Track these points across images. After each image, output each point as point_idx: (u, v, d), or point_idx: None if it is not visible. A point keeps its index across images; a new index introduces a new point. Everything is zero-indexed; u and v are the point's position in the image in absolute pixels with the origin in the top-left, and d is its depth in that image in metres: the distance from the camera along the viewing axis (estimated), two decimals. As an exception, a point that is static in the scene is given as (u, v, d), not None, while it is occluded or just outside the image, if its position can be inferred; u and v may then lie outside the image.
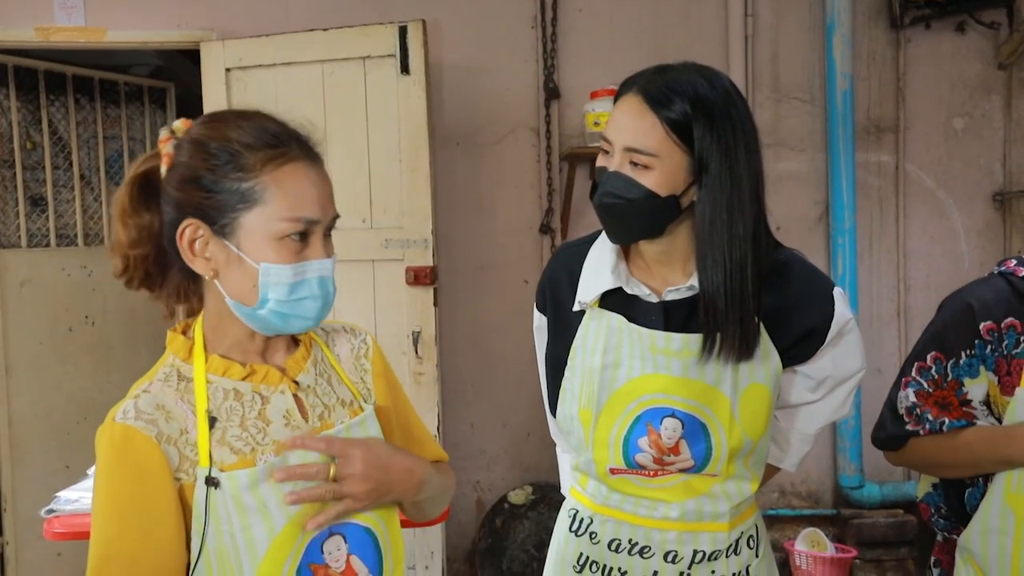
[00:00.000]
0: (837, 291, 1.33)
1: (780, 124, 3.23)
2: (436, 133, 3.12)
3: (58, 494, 2.30)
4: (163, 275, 1.09)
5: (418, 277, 2.82)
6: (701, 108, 1.20)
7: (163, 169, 1.02)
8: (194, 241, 1.01)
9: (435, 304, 2.84)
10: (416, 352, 2.85)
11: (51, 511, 2.23)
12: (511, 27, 3.15)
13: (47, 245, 3.39)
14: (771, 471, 1.48)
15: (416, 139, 2.80)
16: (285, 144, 1.01)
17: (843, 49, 3.15)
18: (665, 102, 1.21)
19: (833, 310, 1.31)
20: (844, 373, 1.37)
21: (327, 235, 1.06)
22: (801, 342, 1.32)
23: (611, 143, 1.25)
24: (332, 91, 2.87)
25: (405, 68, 2.78)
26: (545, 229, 3.18)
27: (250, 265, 0.99)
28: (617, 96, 1.28)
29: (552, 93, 3.14)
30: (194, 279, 1.08)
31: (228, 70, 2.92)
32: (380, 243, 2.85)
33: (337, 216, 1.07)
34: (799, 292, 1.31)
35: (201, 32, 3.04)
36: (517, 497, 3.21)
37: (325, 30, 2.82)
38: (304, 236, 1.01)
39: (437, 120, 3.13)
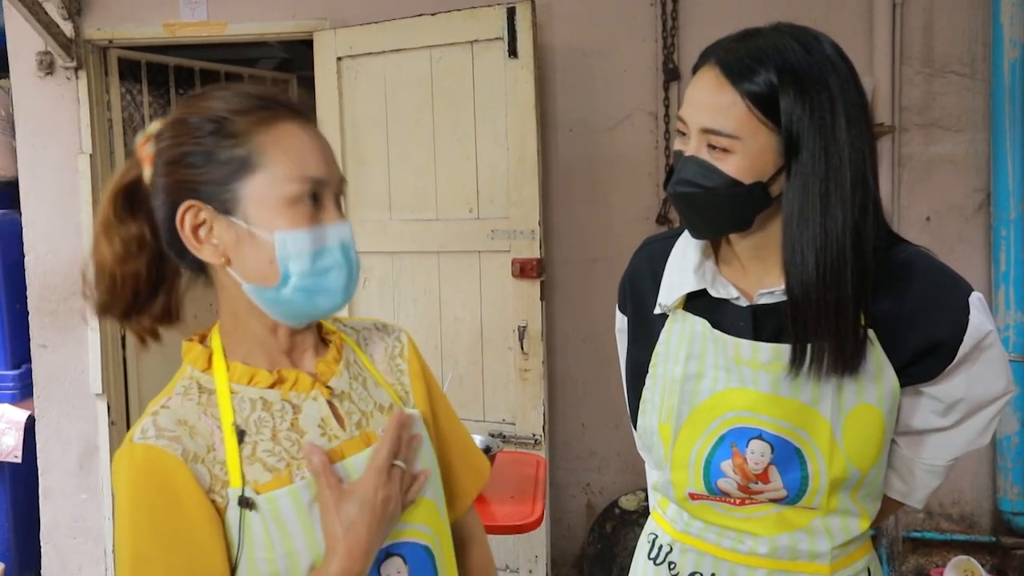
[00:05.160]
0: (974, 297, 1.09)
1: (933, 102, 2.87)
2: (547, 119, 2.99)
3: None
4: (151, 297, 0.98)
5: (524, 269, 2.70)
6: (790, 76, 1.01)
7: (146, 171, 0.94)
8: (198, 227, 0.92)
9: (541, 298, 2.72)
10: (522, 348, 2.74)
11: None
12: (628, 4, 2.96)
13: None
14: (893, 506, 1.26)
15: (524, 126, 2.68)
16: (272, 105, 0.93)
17: (1014, 12, 2.75)
18: (746, 73, 1.02)
19: (967, 320, 1.07)
20: (982, 397, 1.12)
21: (337, 201, 0.96)
22: (924, 358, 1.09)
23: (686, 124, 1.08)
24: (440, 77, 2.79)
25: (513, 51, 2.66)
26: (662, 219, 2.98)
27: (263, 238, 0.90)
28: (695, 69, 1.10)
29: (672, 74, 2.93)
30: (175, 303, 1.00)
31: (339, 59, 2.91)
32: (486, 234, 2.76)
33: (344, 180, 0.98)
34: (922, 297, 1.08)
35: (315, 22, 3.04)
36: (629, 503, 3.04)
37: (433, 15, 2.75)
38: (316, 200, 0.92)
39: (548, 105, 3.00)
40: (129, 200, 0.96)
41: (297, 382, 0.97)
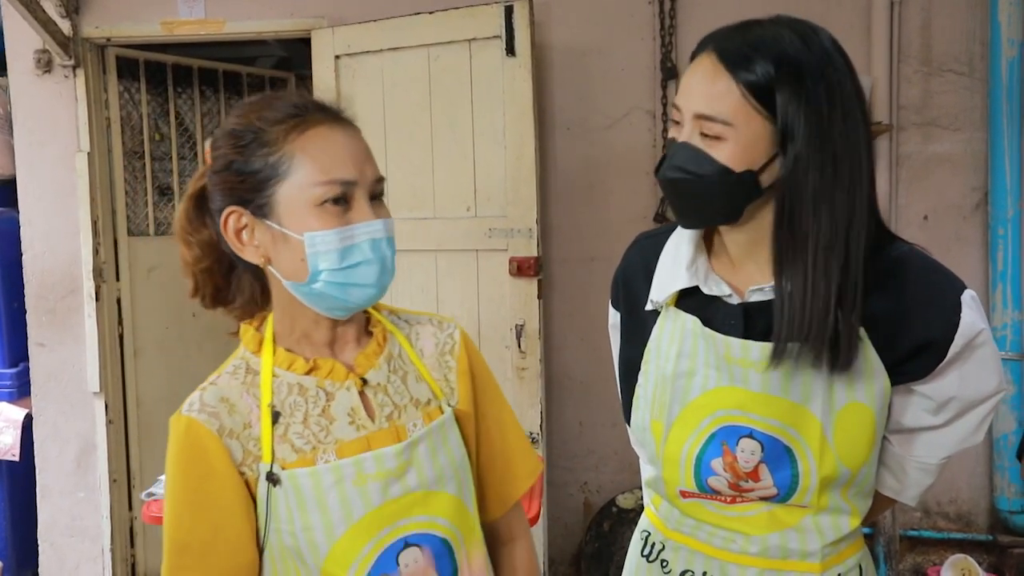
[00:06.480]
0: (967, 295, 1.08)
1: (931, 101, 2.86)
2: (545, 117, 3.00)
3: (160, 477, 2.35)
4: (232, 287, 1.10)
5: (521, 268, 2.70)
6: (787, 68, 1.00)
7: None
8: (240, 231, 1.01)
9: (539, 296, 2.72)
10: (519, 346, 2.74)
11: (151, 494, 2.29)
12: (625, 3, 2.96)
13: (172, 233, 3.52)
14: (885, 503, 1.25)
15: (521, 124, 2.68)
16: (304, 112, 1.00)
17: (1011, 11, 2.75)
18: (743, 62, 1.01)
19: (958, 319, 1.07)
20: (974, 395, 1.12)
21: (376, 199, 1.03)
22: (915, 357, 1.09)
23: (680, 110, 1.07)
24: (438, 76, 2.79)
25: (511, 50, 2.66)
26: (660, 218, 2.98)
27: (294, 239, 0.98)
28: (692, 56, 1.10)
29: (670, 73, 2.93)
30: (263, 287, 1.09)
31: (337, 57, 2.91)
32: (484, 232, 2.76)
33: (382, 178, 1.03)
34: (915, 296, 1.08)
35: (313, 20, 3.05)
36: (626, 501, 3.04)
37: (431, 13, 2.75)
38: (345, 200, 0.98)
39: (547, 104, 3.00)
40: (199, 206, 1.06)
41: (332, 371, 1.04)
